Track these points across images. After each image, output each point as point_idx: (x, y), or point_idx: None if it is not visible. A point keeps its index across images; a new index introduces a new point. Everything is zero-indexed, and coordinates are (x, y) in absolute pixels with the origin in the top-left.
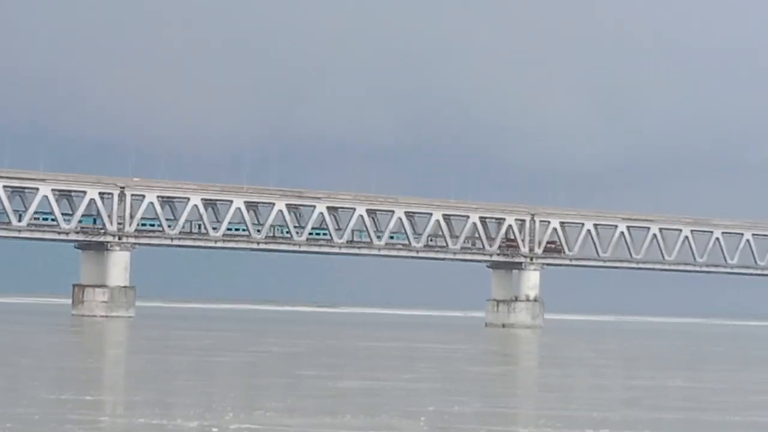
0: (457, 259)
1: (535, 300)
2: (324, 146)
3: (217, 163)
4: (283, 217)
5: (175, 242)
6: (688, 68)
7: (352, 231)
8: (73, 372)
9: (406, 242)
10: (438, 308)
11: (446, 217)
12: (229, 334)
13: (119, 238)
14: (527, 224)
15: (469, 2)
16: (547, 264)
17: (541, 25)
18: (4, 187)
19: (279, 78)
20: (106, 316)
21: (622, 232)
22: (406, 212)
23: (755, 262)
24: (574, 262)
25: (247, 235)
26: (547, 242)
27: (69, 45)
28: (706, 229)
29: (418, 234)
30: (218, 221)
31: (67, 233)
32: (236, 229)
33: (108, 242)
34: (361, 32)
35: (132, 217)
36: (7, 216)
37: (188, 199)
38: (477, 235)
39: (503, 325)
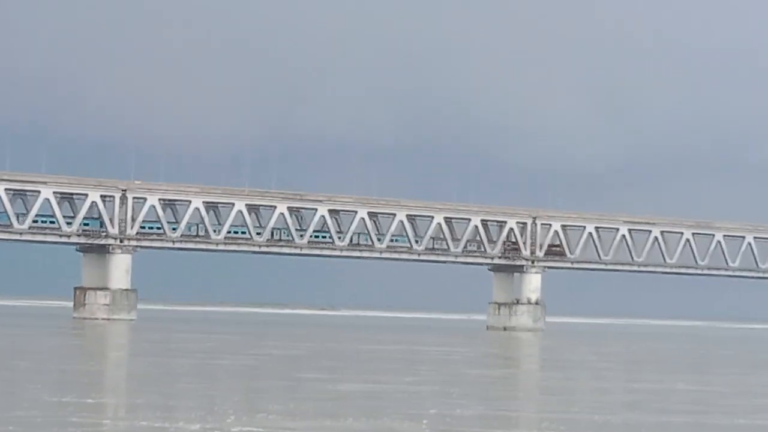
0: (458, 262)
1: (536, 303)
2: (324, 146)
3: (217, 164)
4: (285, 219)
5: (177, 245)
6: (688, 68)
7: (354, 234)
8: (74, 375)
9: (408, 245)
10: (439, 311)
11: (448, 220)
12: (230, 337)
13: (121, 241)
14: (529, 227)
15: (469, 2)
16: (549, 267)
17: (541, 25)
18: (6, 189)
19: (279, 78)
20: (108, 319)
21: (624, 235)
22: (407, 215)
23: (756, 265)
24: (575, 265)
25: (248, 238)
26: (549, 245)
27: (69, 45)
28: (708, 232)
29: (419, 237)
30: (220, 224)
31: (68, 236)
32: (237, 232)
33: (109, 245)
34: (361, 32)
35: (133, 219)
36: (9, 218)
37: (190, 201)
38: (478, 238)
39: (504, 328)
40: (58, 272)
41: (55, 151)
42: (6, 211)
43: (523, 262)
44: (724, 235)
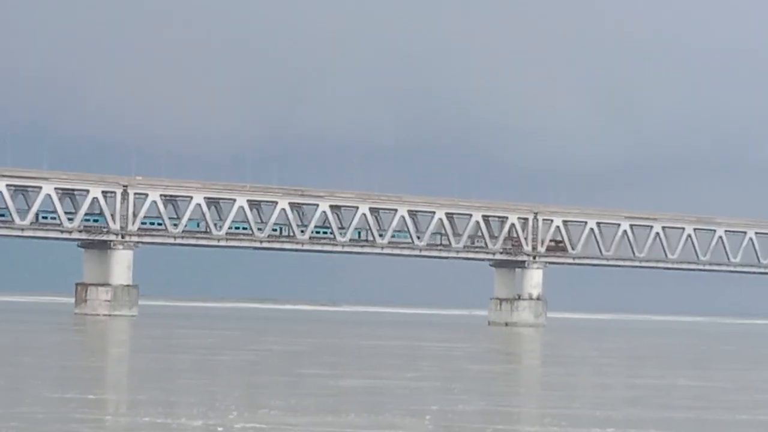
0: (460, 258)
1: (538, 298)
2: (324, 146)
3: (217, 164)
4: (286, 215)
5: (178, 241)
6: (688, 68)
7: (356, 230)
8: (76, 371)
9: (409, 241)
10: (441, 307)
11: (449, 216)
12: (231, 332)
13: (122, 237)
14: (530, 222)
15: (469, 2)
16: (550, 262)
17: (541, 25)
18: (7, 185)
19: (279, 78)
20: (109, 315)
21: (625, 231)
22: (409, 211)
23: (758, 260)
24: (577, 261)
25: (249, 234)
26: (551, 240)
27: (69, 44)
28: (709, 228)
29: (421, 232)
30: (221, 220)
31: (70, 232)
32: (239, 228)
33: (111, 241)
34: (361, 32)
35: (135, 215)
36: (11, 215)
37: (191, 197)
38: (480, 234)
39: (506, 324)
40: (59, 268)
41: (56, 150)
42: (8, 207)
43: (525, 258)
44: (726, 231)
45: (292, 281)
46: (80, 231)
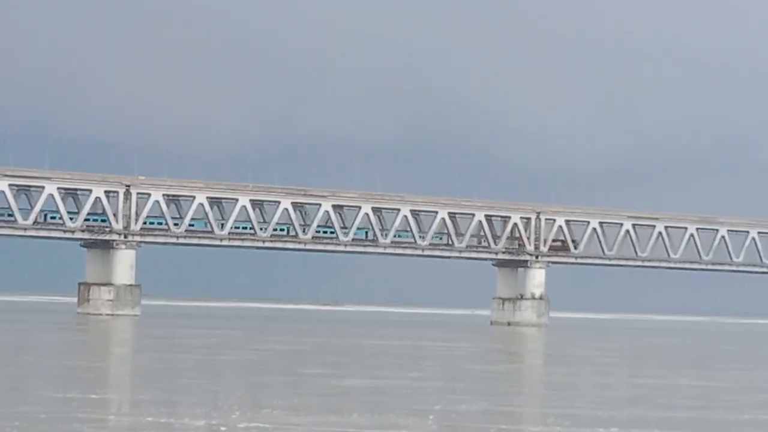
0: (462, 257)
1: (540, 298)
2: (325, 146)
3: (218, 164)
4: (289, 215)
5: (181, 241)
6: (688, 68)
7: (359, 230)
8: (78, 370)
9: (412, 240)
10: (443, 306)
11: (452, 216)
12: (233, 332)
13: (125, 237)
14: (533, 222)
15: (469, 2)
16: (553, 262)
17: (541, 25)
18: (10, 185)
19: (280, 78)
20: (112, 315)
21: (628, 231)
22: (411, 210)
23: (761, 260)
24: (579, 260)
25: (252, 234)
26: (554, 240)
27: (69, 45)
28: (712, 227)
29: (423, 232)
30: (224, 219)
31: (72, 231)
32: (242, 228)
33: (114, 240)
34: (361, 32)
35: (138, 215)
36: (13, 214)
37: (194, 197)
38: (482, 233)
39: (508, 324)
40: (62, 268)
41: (57, 150)
42: (10, 207)
43: (527, 258)
44: (728, 230)
45: (294, 281)
46: (83, 231)
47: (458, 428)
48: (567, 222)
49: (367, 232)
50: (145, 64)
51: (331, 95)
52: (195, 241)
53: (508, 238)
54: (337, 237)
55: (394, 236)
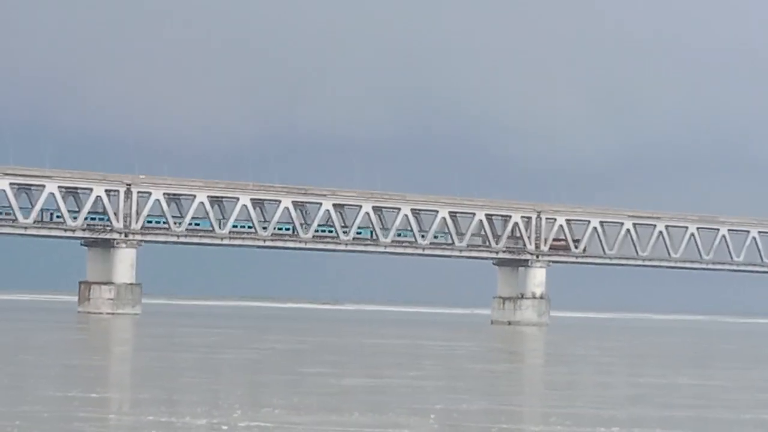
0: (463, 257)
1: (541, 297)
2: (325, 145)
3: (219, 163)
4: (289, 214)
5: (182, 239)
6: (688, 68)
7: (359, 229)
8: (79, 369)
9: (413, 239)
10: (444, 305)
11: (452, 215)
12: (233, 331)
13: (125, 235)
14: (533, 221)
15: (469, 2)
16: (553, 261)
17: (541, 24)
18: (11, 184)
19: (279, 77)
20: (112, 314)
21: (628, 230)
22: (412, 209)
23: (761, 259)
24: (580, 260)
25: (253, 233)
26: (555, 239)
27: (69, 44)
28: (712, 227)
29: (424, 231)
30: (224, 218)
31: (73, 230)
32: (242, 227)
33: (114, 239)
34: (361, 32)
35: (138, 214)
36: (14, 213)
37: (194, 196)
38: (483, 233)
39: (509, 323)
40: (62, 266)
41: (57, 149)
42: (11, 206)
43: (528, 257)
44: (729, 230)
45: (295, 280)
46: (83, 229)
47: (460, 427)
48: (567, 221)
49: (371, 232)
50: (145, 63)
51: (332, 94)
52: (195, 240)
53: (509, 237)
54: (337, 236)
55: (395, 235)
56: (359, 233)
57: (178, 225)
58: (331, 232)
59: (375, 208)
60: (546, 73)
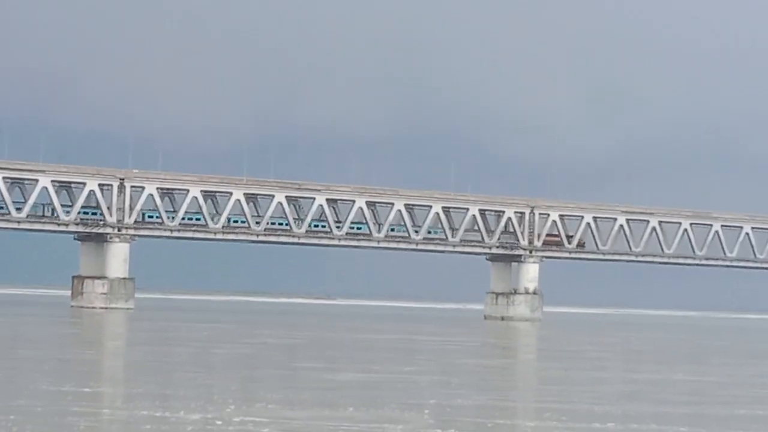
0: (456, 252)
1: (534, 293)
2: (319, 140)
3: (213, 157)
4: (283, 209)
5: (175, 234)
6: (685, 63)
7: (352, 224)
8: (72, 364)
9: (406, 234)
10: (437, 301)
11: (446, 210)
12: (227, 325)
13: (119, 230)
14: (527, 217)
15: None
16: (547, 257)
17: (538, 19)
18: (4, 178)
19: (273, 72)
20: (106, 308)
21: (622, 225)
22: (405, 204)
23: (754, 255)
24: (573, 255)
25: (246, 227)
26: (548, 234)
27: (65, 38)
28: (706, 222)
29: (417, 226)
30: (218, 213)
31: (66, 225)
32: (236, 221)
33: (107, 234)
34: (358, 27)
35: (131, 208)
36: (7, 207)
37: (188, 190)
38: (476, 228)
39: (502, 318)
40: (55, 261)
41: (52, 143)
42: (4, 200)
43: (521, 252)
44: (722, 225)
45: (288, 275)
46: (77, 224)
47: (454, 422)
48: (561, 216)
49: (364, 226)
50: (140, 58)
51: (326, 89)
52: (189, 234)
53: (502, 232)
54: (330, 231)
55: (389, 230)
56: (353, 228)
57: (171, 219)
58: (324, 227)
59: (368, 203)
60: (541, 67)
